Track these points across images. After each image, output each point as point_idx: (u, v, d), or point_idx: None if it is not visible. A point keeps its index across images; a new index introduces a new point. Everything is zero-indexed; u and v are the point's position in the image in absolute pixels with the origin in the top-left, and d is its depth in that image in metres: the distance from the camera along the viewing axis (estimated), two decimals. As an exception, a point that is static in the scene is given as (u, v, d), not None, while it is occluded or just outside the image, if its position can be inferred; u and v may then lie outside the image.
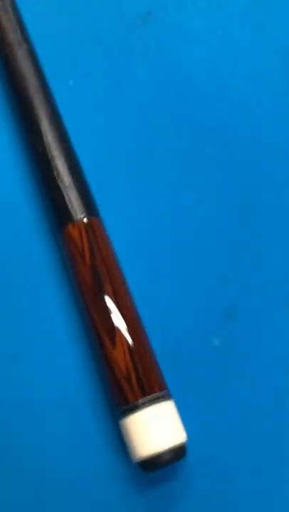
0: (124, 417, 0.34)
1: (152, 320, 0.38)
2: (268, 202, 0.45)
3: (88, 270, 0.38)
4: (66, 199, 0.40)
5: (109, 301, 0.37)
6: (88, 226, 0.39)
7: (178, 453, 0.34)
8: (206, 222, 0.44)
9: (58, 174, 0.41)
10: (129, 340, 0.36)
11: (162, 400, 0.35)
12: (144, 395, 0.34)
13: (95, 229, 0.39)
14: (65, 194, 0.40)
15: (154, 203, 0.45)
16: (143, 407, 0.34)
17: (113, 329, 0.36)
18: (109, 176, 0.46)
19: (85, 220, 0.39)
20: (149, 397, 0.34)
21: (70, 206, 0.40)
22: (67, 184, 0.40)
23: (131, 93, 0.49)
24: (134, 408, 0.34)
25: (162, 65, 0.50)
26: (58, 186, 0.40)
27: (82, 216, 0.39)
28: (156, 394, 0.35)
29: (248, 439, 0.38)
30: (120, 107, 0.49)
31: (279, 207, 0.45)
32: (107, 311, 0.36)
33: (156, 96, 0.49)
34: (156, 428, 0.34)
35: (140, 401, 0.34)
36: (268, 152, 0.47)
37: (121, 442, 0.37)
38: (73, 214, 0.39)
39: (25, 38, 0.44)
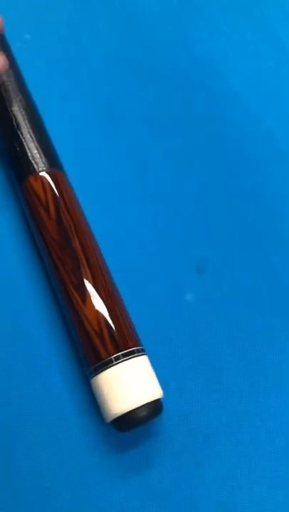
0: (96, 374, 0.33)
1: (122, 276, 0.37)
2: (235, 153, 0.44)
3: (54, 224, 0.35)
4: (27, 150, 0.37)
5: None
6: (52, 178, 0.37)
7: (154, 409, 0.33)
8: (175, 175, 0.43)
9: (18, 125, 0.38)
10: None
11: (136, 355, 0.33)
12: (117, 350, 0.33)
13: (58, 181, 0.37)
14: (25, 145, 0.38)
15: (119, 156, 0.43)
16: (116, 363, 0.32)
17: (82, 284, 0.34)
18: (71, 130, 0.43)
19: (47, 172, 0.37)
20: (122, 352, 0.33)
21: (31, 158, 0.37)
22: (27, 136, 0.38)
23: (92, 46, 0.47)
24: (106, 364, 0.32)
25: (124, 16, 0.48)
26: (18, 138, 0.38)
27: (43, 168, 0.37)
28: (131, 349, 0.33)
29: (223, 393, 0.37)
30: (81, 59, 0.47)
31: (245, 159, 0.44)
32: (75, 266, 0.34)
33: (118, 48, 0.48)
34: (130, 383, 0.32)
35: (113, 356, 0.32)
36: (233, 100, 0.46)
37: (92, 404, 0.35)
38: (35, 166, 0.37)
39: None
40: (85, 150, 0.43)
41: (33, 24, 0.48)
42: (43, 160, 0.37)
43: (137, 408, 0.32)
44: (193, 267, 0.40)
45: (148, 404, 0.32)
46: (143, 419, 0.32)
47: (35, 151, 0.37)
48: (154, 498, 0.34)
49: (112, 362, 0.32)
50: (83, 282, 0.34)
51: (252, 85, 0.47)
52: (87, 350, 0.33)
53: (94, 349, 0.33)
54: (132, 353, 0.33)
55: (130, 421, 0.32)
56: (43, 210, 0.36)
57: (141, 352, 0.34)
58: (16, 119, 0.38)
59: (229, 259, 0.41)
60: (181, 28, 0.49)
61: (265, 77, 0.48)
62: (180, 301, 0.39)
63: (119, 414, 0.32)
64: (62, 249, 0.35)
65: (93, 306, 0.33)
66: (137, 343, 0.34)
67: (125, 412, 0.32)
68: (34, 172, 0.37)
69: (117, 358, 0.32)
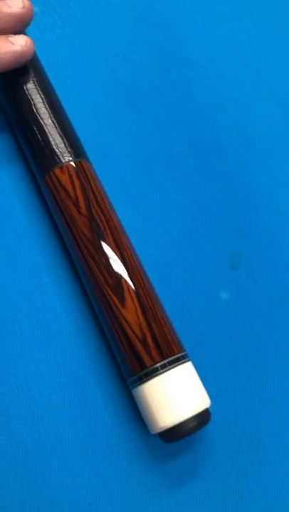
0: (140, 383, 0.30)
1: (151, 274, 0.34)
2: (266, 141, 0.42)
3: (85, 220, 0.32)
4: (50, 139, 0.34)
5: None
6: (79, 169, 0.34)
7: (203, 419, 0.30)
8: (201, 164, 0.40)
9: (38, 112, 0.35)
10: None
11: (182, 362, 0.30)
12: (162, 357, 0.30)
13: (86, 172, 0.34)
14: (48, 133, 0.34)
15: (142, 145, 0.40)
16: (163, 371, 0.30)
17: (120, 284, 0.31)
18: (90, 116, 0.40)
19: (74, 162, 0.34)
20: (168, 359, 0.30)
21: (55, 147, 0.34)
22: (49, 122, 0.34)
23: (107, 25, 0.44)
24: (152, 372, 0.30)
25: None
26: (40, 125, 0.34)
27: (70, 158, 0.34)
28: (176, 356, 0.30)
29: (266, 396, 0.35)
30: (96, 39, 0.43)
31: (277, 147, 0.42)
32: (111, 266, 0.31)
33: (136, 28, 0.44)
34: (178, 393, 0.29)
35: (159, 364, 0.30)
36: (262, 88, 0.43)
37: (131, 413, 0.33)
38: (60, 156, 0.34)
39: None
40: (105, 139, 0.40)
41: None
42: (69, 149, 0.34)
43: (187, 420, 0.29)
44: (227, 263, 0.38)
45: (198, 414, 0.30)
46: (192, 431, 0.30)
47: (60, 140, 0.34)
48: (200, 510, 0.32)
49: (158, 370, 0.30)
50: (120, 283, 0.31)
51: (278, 70, 0.45)
52: (129, 358, 0.30)
53: (137, 356, 0.30)
54: (177, 360, 0.30)
55: (179, 433, 0.30)
56: (72, 205, 0.33)
57: (186, 358, 0.31)
58: (35, 104, 0.35)
59: (263, 254, 0.38)
60: (202, 5, 0.45)
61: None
62: (215, 299, 0.37)
63: (168, 427, 0.29)
64: (95, 247, 0.32)
65: (133, 309, 0.31)
66: (181, 348, 0.31)
67: (175, 424, 0.29)
68: (60, 163, 0.33)
69: (163, 366, 0.30)
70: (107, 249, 0.32)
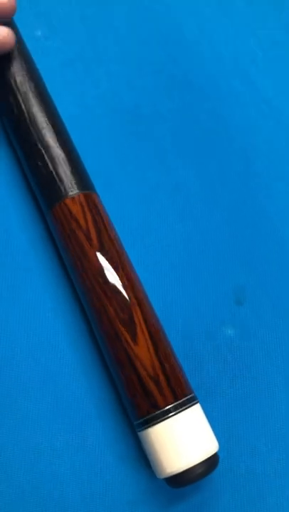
0: (148, 426, 0.29)
1: (158, 312, 0.33)
2: (270, 169, 0.41)
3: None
4: (60, 171, 0.33)
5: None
6: (89, 201, 0.33)
7: (211, 465, 0.29)
8: (205, 192, 0.39)
9: (44, 141, 0.34)
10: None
11: (192, 404, 0.30)
12: (175, 398, 0.29)
13: (97, 205, 0.33)
14: (58, 166, 0.33)
15: (144, 170, 0.39)
16: (175, 413, 0.29)
17: (133, 321, 0.30)
18: (91, 141, 0.39)
19: (83, 194, 0.33)
20: (180, 401, 0.29)
21: (65, 179, 0.33)
22: (59, 155, 0.34)
23: (109, 47, 0.43)
24: (163, 415, 0.28)
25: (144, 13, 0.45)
26: (49, 155, 0.33)
27: (78, 190, 0.33)
28: (187, 397, 0.29)
29: (275, 438, 0.34)
30: (98, 62, 0.42)
31: (281, 175, 0.41)
32: (123, 301, 0.31)
33: (138, 49, 0.43)
34: (188, 437, 0.28)
35: (171, 406, 0.29)
36: (266, 110, 0.42)
37: (137, 456, 0.31)
38: (70, 188, 0.33)
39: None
40: (107, 166, 0.39)
41: (44, 20, 0.43)
42: (78, 181, 0.33)
43: (195, 465, 0.28)
44: (232, 298, 0.37)
45: (206, 460, 0.29)
46: (200, 477, 0.29)
47: (69, 171, 0.33)
48: None
49: (170, 412, 0.29)
50: (133, 318, 0.30)
51: (282, 91, 0.44)
52: (141, 398, 0.29)
53: (149, 396, 0.29)
54: (188, 401, 0.29)
55: (187, 478, 0.28)
56: (83, 237, 0.32)
57: (196, 399, 0.30)
58: (41, 133, 0.34)
59: (268, 288, 0.38)
60: (207, 26, 0.45)
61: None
62: (220, 336, 0.36)
63: (176, 473, 0.28)
64: (106, 281, 0.31)
65: (146, 346, 0.30)
66: (191, 389, 0.30)
67: (182, 470, 0.28)
68: (70, 194, 0.33)
69: (175, 408, 0.29)
70: (118, 283, 0.31)
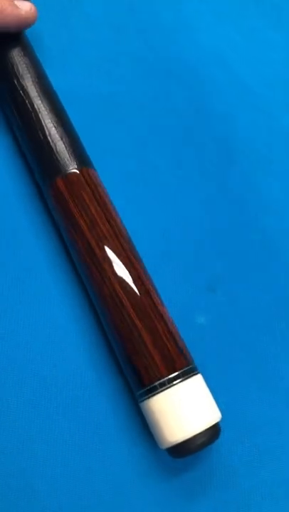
0: (151, 396, 0.29)
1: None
2: (248, 158, 0.40)
3: (97, 224, 0.31)
4: (57, 147, 0.33)
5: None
6: (88, 176, 0.32)
7: (213, 434, 0.29)
8: (182, 184, 0.38)
9: (40, 113, 0.33)
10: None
11: (194, 374, 0.29)
12: (178, 368, 0.29)
13: (95, 181, 0.33)
14: (55, 142, 0.33)
15: (119, 157, 0.38)
16: (176, 383, 0.28)
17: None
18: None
19: (79, 170, 0.32)
20: (183, 370, 0.29)
21: (62, 155, 0.33)
22: (57, 132, 0.33)
23: (85, 34, 0.41)
24: (166, 383, 0.28)
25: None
26: (43, 131, 0.33)
27: (75, 166, 0.32)
28: (190, 367, 0.29)
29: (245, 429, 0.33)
30: (73, 50, 0.40)
31: (259, 166, 0.40)
32: (124, 262, 0.31)
33: (115, 38, 0.42)
34: (191, 407, 0.28)
35: (174, 375, 0.29)
36: (245, 96, 0.41)
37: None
38: (68, 164, 0.32)
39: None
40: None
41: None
42: (75, 157, 0.33)
43: (198, 434, 0.28)
44: (204, 285, 0.36)
45: (208, 429, 0.29)
46: (202, 446, 0.29)
47: (66, 147, 0.33)
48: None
49: (173, 382, 0.28)
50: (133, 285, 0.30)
51: (262, 77, 0.43)
52: (147, 366, 0.29)
53: (152, 365, 0.29)
54: (190, 370, 0.29)
55: (189, 448, 0.28)
56: (80, 216, 0.31)
57: (197, 370, 0.30)
58: (41, 112, 0.33)
59: (241, 277, 0.36)
60: (185, 13, 0.43)
61: (277, 68, 0.43)
62: (192, 324, 0.34)
63: (178, 442, 0.28)
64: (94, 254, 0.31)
65: (149, 316, 0.29)
66: (192, 359, 0.30)
67: (185, 439, 0.28)
68: (67, 170, 0.32)
69: (177, 377, 0.29)
70: (116, 253, 0.31)
